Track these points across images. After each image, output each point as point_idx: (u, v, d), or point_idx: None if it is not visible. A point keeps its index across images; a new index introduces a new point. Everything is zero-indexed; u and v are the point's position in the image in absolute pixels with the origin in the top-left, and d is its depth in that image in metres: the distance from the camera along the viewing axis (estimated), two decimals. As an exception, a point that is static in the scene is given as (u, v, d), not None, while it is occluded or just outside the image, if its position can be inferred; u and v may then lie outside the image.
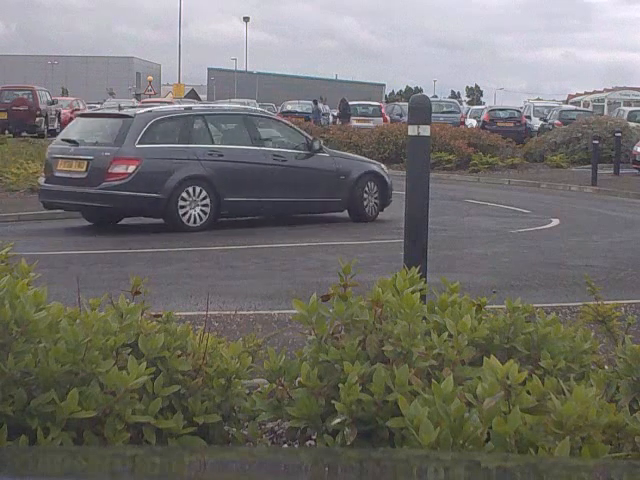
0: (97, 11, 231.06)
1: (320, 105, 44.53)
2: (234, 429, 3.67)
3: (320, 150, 16.06)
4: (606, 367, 3.67)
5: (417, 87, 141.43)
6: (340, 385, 3.27)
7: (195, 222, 14.50)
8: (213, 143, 15.11)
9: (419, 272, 3.80)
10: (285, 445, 3.90)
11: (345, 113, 41.91)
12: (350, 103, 43.04)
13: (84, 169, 14.27)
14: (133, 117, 14.62)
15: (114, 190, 14.04)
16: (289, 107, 47.14)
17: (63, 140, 14.97)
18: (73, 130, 15.24)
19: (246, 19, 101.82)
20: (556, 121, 39.17)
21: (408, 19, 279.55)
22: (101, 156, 14.17)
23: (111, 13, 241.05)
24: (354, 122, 39.66)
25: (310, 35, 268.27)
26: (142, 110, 15.45)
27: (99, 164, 14.13)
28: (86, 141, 14.65)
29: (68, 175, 14.40)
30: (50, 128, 37.76)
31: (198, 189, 14.51)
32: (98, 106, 49.35)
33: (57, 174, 14.63)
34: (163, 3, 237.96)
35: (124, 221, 15.34)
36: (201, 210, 14.59)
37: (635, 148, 29.30)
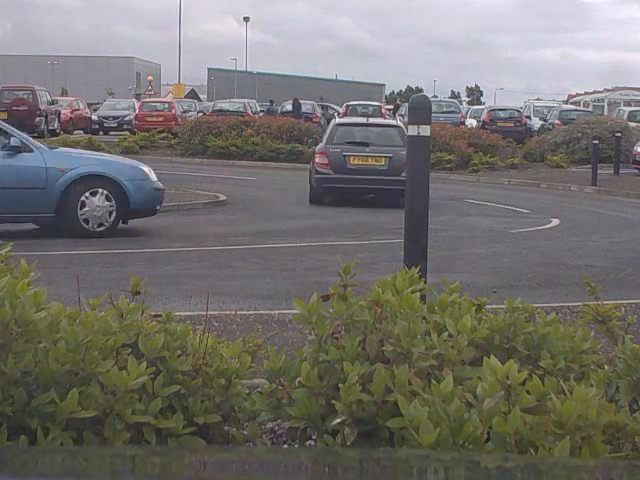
0: (96, 11, 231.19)
1: (275, 105, 47.58)
2: (234, 429, 3.67)
3: None
4: (606, 367, 3.67)
5: (417, 87, 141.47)
6: (340, 385, 3.27)
7: None
8: None
9: (419, 272, 3.80)
10: (285, 445, 3.90)
11: (298, 112, 42.60)
12: (350, 103, 43.10)
13: (383, 163, 19.83)
14: (401, 127, 20.65)
15: None
16: (289, 107, 47.19)
17: (347, 143, 20.09)
18: (348, 135, 20.37)
19: (246, 19, 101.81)
20: (556, 121, 39.15)
21: (408, 19, 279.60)
22: (398, 154, 18.96)
23: (110, 13, 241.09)
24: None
25: (309, 35, 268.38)
26: (401, 122, 22.57)
27: (397, 159, 19.14)
28: (375, 143, 20.12)
29: (366, 167, 19.82)
30: (50, 128, 37.75)
31: None
32: (99, 106, 49.46)
33: (351, 167, 19.82)
34: (162, 3, 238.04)
35: (129, 221, 15.36)
36: None
37: (635, 148, 29.30)
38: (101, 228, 13.79)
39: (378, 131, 20.84)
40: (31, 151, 13.65)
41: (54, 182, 13.50)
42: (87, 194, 13.68)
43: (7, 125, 14.38)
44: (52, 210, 13.55)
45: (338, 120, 22.71)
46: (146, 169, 14.52)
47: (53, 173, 13.54)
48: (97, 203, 13.72)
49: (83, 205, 13.70)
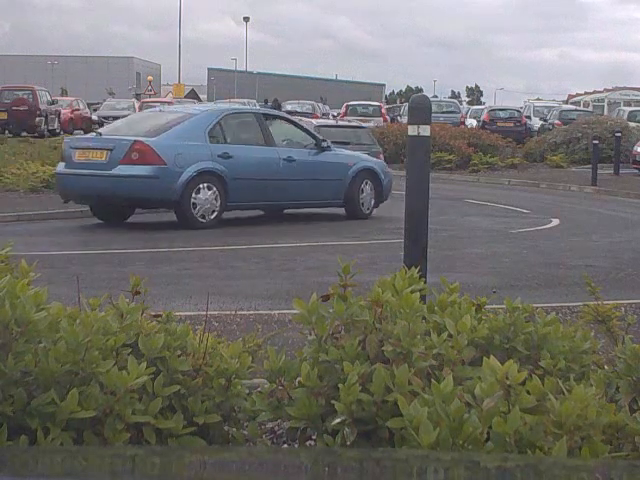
0: (96, 11, 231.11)
1: (269, 105, 48.48)
2: (234, 429, 3.67)
3: None
4: (606, 367, 3.67)
5: (417, 87, 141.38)
6: (340, 385, 3.27)
7: None
8: None
9: (419, 272, 3.80)
10: (285, 445, 3.90)
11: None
12: (350, 103, 43.11)
13: None
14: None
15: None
16: (289, 107, 47.21)
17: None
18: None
19: (246, 19, 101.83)
20: (556, 121, 39.17)
21: (408, 19, 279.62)
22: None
23: (110, 13, 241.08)
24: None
25: (309, 35, 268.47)
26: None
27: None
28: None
29: None
30: (50, 128, 37.71)
31: None
32: (99, 106, 49.45)
33: None
34: (162, 3, 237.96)
35: (129, 221, 15.37)
36: None
37: (635, 148, 29.30)
38: (367, 211, 17.11)
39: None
40: (330, 150, 16.95)
41: (346, 174, 16.70)
42: (363, 183, 16.99)
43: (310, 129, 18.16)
44: (342, 197, 16.75)
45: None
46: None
47: (345, 167, 16.82)
48: (368, 191, 17.11)
49: (362, 192, 16.99)
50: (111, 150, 14.57)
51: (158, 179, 14.41)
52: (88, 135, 15.82)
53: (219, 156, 15.03)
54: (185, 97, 70.64)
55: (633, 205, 21.72)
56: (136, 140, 14.50)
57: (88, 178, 14.52)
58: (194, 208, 14.70)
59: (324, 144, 16.65)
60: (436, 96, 69.84)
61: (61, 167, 15.44)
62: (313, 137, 16.81)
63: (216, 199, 14.91)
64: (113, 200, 14.88)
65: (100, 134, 15.48)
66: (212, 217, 14.88)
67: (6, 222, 15.43)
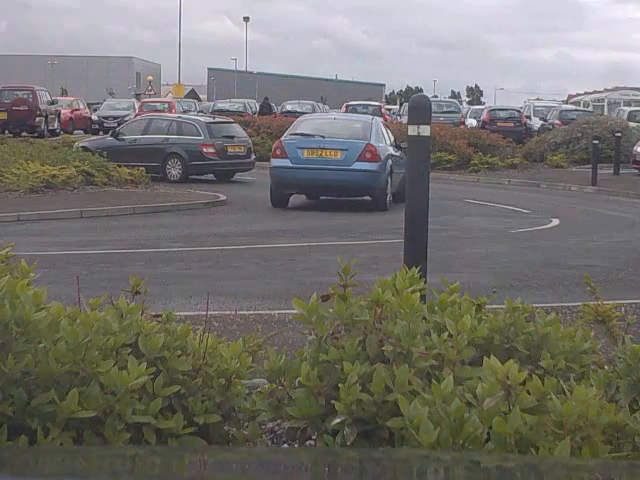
0: (96, 12, 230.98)
1: (273, 103, 47.72)
2: (234, 429, 3.67)
3: None
4: (606, 367, 3.67)
5: (417, 87, 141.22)
6: (340, 385, 3.27)
7: None
8: None
9: (419, 272, 3.80)
10: (285, 445, 3.90)
11: (263, 111, 42.61)
12: (350, 103, 43.14)
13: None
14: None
15: None
16: (289, 107, 47.15)
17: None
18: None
19: (246, 19, 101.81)
20: (556, 121, 39.15)
21: (407, 19, 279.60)
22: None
23: (110, 13, 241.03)
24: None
25: (309, 35, 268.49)
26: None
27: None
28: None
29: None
30: (50, 128, 37.72)
31: None
32: (99, 106, 49.43)
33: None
34: (162, 3, 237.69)
35: (129, 221, 15.37)
36: None
37: (635, 148, 29.27)
38: None
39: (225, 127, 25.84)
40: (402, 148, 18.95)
41: None
42: None
43: None
44: None
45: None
46: None
47: None
48: None
49: None
50: (346, 150, 18.44)
51: (379, 173, 18.53)
52: (309, 138, 18.97)
53: (391, 155, 19.24)
54: (185, 97, 70.60)
55: (633, 205, 21.72)
56: (368, 143, 18.62)
57: (324, 172, 18.20)
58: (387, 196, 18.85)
59: (402, 144, 18.87)
60: (436, 96, 69.75)
61: (284, 162, 18.49)
62: (394, 138, 20.40)
63: (391, 189, 18.95)
64: (346, 190, 18.67)
65: (323, 137, 18.82)
66: (390, 203, 18.78)
67: (6, 222, 15.42)
